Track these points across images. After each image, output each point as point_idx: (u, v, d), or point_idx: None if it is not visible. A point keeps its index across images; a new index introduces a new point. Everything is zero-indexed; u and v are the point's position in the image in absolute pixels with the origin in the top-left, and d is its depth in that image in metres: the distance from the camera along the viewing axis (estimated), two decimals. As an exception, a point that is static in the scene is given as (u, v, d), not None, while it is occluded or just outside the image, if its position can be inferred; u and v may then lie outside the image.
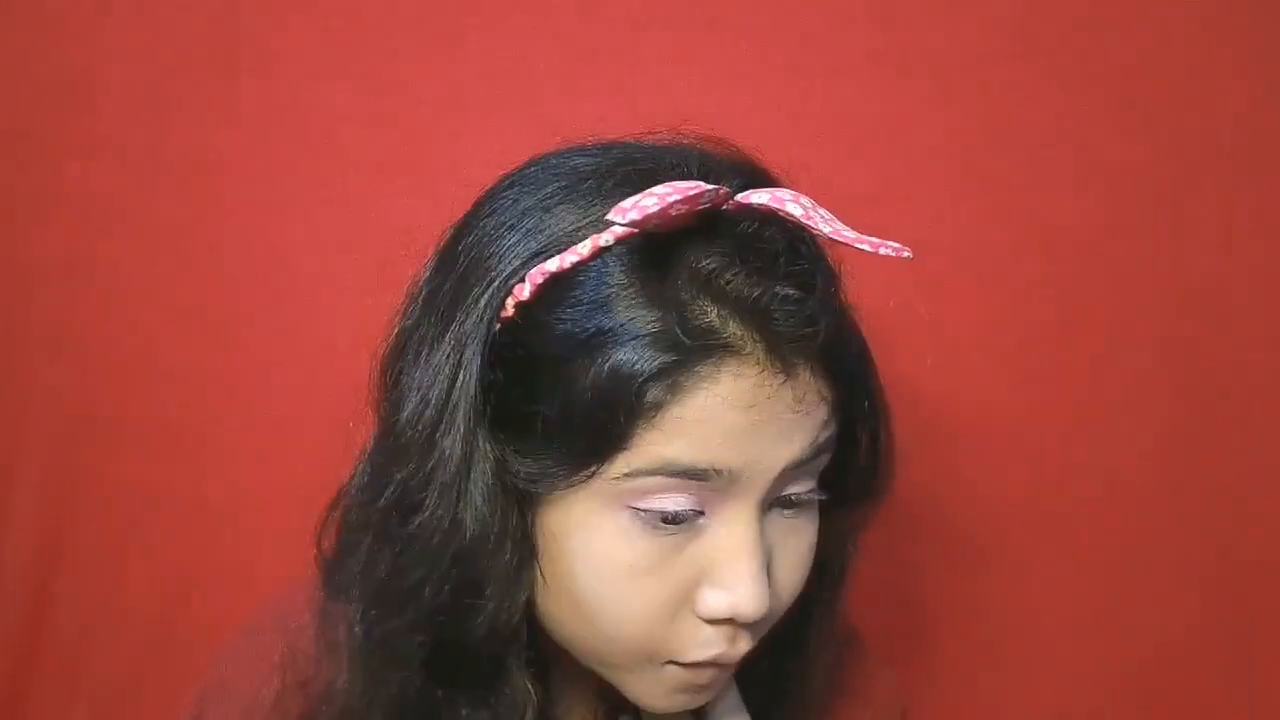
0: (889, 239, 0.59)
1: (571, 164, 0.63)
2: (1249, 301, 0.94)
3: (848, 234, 0.58)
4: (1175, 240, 0.94)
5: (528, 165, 0.65)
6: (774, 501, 0.62)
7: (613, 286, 0.58)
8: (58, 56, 0.95)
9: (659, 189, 0.56)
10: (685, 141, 0.66)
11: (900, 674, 0.86)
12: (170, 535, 0.96)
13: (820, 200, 0.63)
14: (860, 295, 0.66)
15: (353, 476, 0.66)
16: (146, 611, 0.97)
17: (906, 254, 0.58)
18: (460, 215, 0.66)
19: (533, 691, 0.64)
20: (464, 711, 0.64)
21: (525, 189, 0.63)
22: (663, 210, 0.55)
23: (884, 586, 0.79)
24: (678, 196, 0.55)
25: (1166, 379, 0.95)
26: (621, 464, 0.58)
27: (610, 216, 0.56)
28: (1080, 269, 0.95)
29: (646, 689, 0.64)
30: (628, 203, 0.55)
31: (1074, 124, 0.94)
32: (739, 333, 0.57)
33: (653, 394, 0.57)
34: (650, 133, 0.66)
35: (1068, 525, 0.96)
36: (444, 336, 0.61)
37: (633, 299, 0.58)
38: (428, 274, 0.65)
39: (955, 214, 0.94)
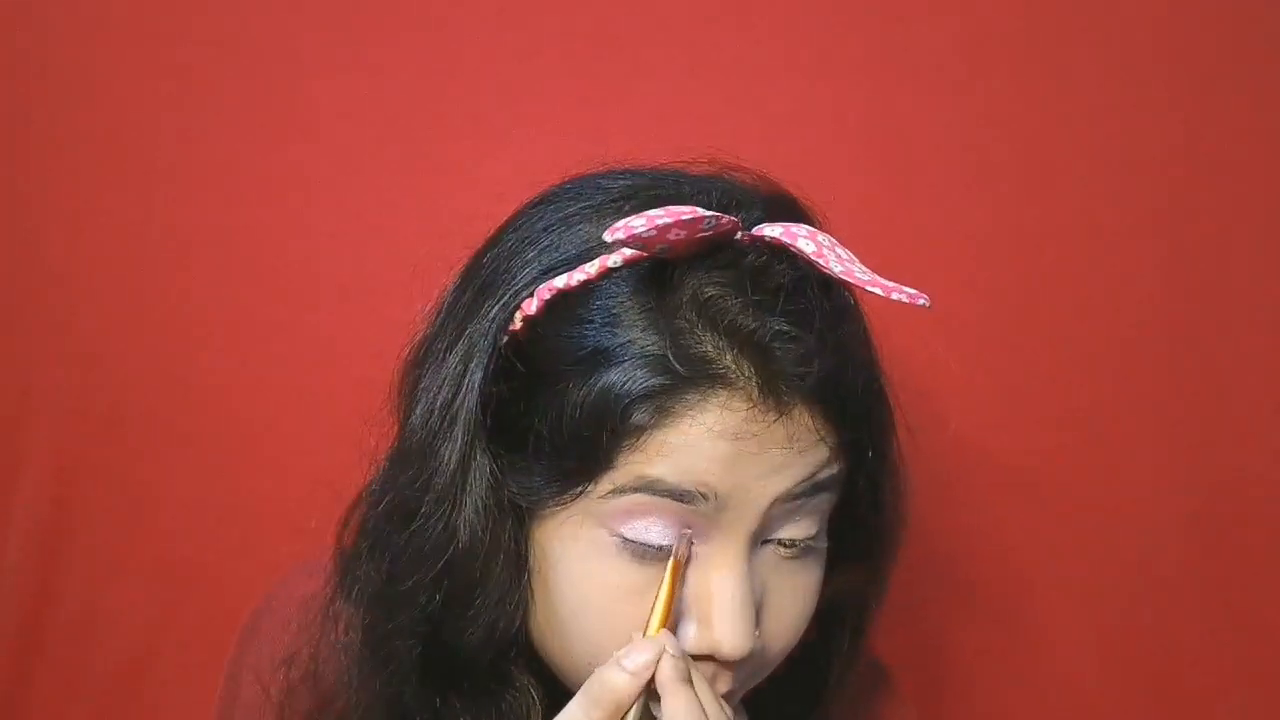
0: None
1: (599, 184, 0.64)
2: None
3: (860, 276, 0.57)
4: (1176, 240, 0.94)
5: (561, 184, 0.65)
6: (771, 539, 0.60)
7: (615, 308, 0.58)
8: (61, 56, 0.94)
9: (653, 211, 0.55)
10: (717, 170, 0.65)
11: (918, 705, 0.85)
12: (172, 532, 0.96)
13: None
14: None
15: (371, 479, 0.67)
16: (148, 608, 0.96)
17: (922, 301, 0.56)
18: (485, 229, 0.66)
19: (537, 699, 0.63)
20: (463, 718, 0.63)
21: (551, 206, 0.63)
22: (656, 234, 0.55)
23: (900, 617, 0.78)
24: (670, 220, 0.55)
25: (1175, 389, 0.94)
26: (606, 484, 0.58)
27: (604, 236, 0.56)
28: (1086, 271, 0.94)
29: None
30: (620, 223, 0.55)
31: (1073, 123, 0.94)
32: (733, 365, 0.57)
33: (638, 416, 0.56)
34: (690, 162, 0.66)
35: (1086, 557, 0.95)
36: (456, 345, 0.62)
37: (633, 321, 0.58)
38: (454, 284, 0.66)
39: (955, 214, 0.94)
